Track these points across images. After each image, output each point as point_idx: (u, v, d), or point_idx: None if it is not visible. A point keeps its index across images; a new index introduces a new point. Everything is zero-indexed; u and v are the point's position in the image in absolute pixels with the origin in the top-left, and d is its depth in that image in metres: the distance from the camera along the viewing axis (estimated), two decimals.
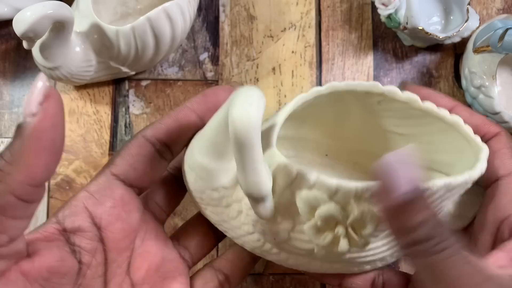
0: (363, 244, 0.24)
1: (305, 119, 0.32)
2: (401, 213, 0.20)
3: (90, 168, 0.41)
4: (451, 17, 0.43)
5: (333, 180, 0.23)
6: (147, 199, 0.30)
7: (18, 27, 0.29)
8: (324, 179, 0.23)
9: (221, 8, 0.44)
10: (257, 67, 0.43)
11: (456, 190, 0.25)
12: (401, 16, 0.40)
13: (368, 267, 0.28)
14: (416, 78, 0.44)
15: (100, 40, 0.36)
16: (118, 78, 0.42)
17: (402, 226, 0.20)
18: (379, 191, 0.20)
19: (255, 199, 0.23)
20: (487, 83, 0.39)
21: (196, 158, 0.26)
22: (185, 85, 0.43)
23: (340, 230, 0.23)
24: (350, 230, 0.23)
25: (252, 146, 0.21)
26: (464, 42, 0.42)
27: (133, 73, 0.41)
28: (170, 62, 0.43)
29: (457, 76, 0.44)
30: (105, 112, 0.42)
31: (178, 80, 0.43)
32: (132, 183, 0.27)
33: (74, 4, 0.38)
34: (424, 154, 0.23)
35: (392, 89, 0.28)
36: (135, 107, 0.42)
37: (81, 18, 0.36)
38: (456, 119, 0.27)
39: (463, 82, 0.41)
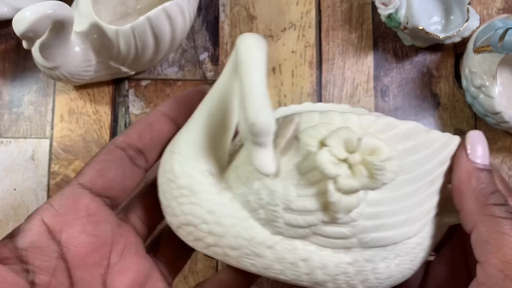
0: (379, 174, 0.22)
1: None
2: (484, 177, 0.24)
3: None
4: (451, 17, 0.43)
5: (336, 113, 0.23)
6: (128, 211, 0.27)
7: (18, 27, 0.29)
8: (329, 113, 0.23)
9: (221, 8, 0.44)
10: None
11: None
12: (401, 16, 0.40)
13: None
14: (416, 78, 0.44)
15: (100, 40, 0.36)
16: (118, 78, 0.42)
17: (484, 187, 0.24)
18: (468, 149, 0.25)
19: (259, 134, 0.21)
20: (487, 83, 0.39)
21: (175, 157, 0.25)
22: (185, 85, 0.43)
23: (356, 156, 0.21)
24: (366, 157, 0.21)
25: (259, 67, 0.22)
26: (464, 42, 0.42)
27: (133, 73, 0.41)
28: (170, 62, 0.43)
29: (457, 76, 0.44)
30: (105, 112, 0.42)
31: (178, 80, 0.43)
32: (100, 192, 0.24)
33: (74, 4, 0.38)
34: None
35: (359, 109, 0.30)
36: (135, 107, 0.42)
37: (81, 18, 0.36)
38: None
39: (464, 82, 0.41)
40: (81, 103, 0.42)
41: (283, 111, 0.29)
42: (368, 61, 0.44)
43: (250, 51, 0.22)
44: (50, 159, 0.41)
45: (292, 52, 0.43)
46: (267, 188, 0.23)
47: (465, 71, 0.41)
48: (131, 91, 0.42)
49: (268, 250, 0.24)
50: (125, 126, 0.42)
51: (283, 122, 0.24)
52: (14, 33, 0.30)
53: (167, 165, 0.25)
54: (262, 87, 0.22)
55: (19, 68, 0.42)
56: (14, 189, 0.40)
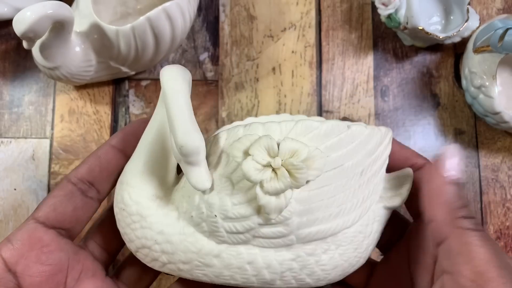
0: (299, 173, 0.24)
1: None
2: (457, 190, 0.24)
3: None
4: (451, 17, 0.43)
5: (258, 124, 0.25)
6: (87, 239, 0.30)
7: (18, 27, 0.29)
8: (252, 125, 0.25)
9: (221, 8, 0.44)
10: (257, 67, 0.43)
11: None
12: (401, 16, 0.40)
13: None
14: (416, 78, 0.44)
15: (100, 40, 0.36)
16: (118, 78, 0.42)
17: (457, 200, 0.24)
18: (443, 163, 0.25)
19: (189, 155, 0.23)
20: (487, 83, 0.39)
21: (126, 180, 0.27)
22: None
23: (277, 160, 0.23)
24: (286, 160, 0.23)
25: (181, 95, 0.24)
26: (464, 42, 0.42)
27: (133, 73, 0.41)
28: (170, 62, 0.43)
29: (457, 76, 0.44)
30: (105, 112, 0.42)
31: None
32: (54, 225, 0.27)
33: (74, 4, 0.38)
34: None
35: (300, 116, 0.31)
36: (135, 107, 0.42)
37: (81, 18, 0.36)
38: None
39: (463, 82, 0.41)
40: (81, 103, 0.42)
41: (226, 127, 0.31)
42: (368, 61, 0.44)
43: (171, 81, 0.24)
44: (50, 159, 0.41)
45: (292, 52, 0.43)
46: (205, 202, 0.25)
47: (465, 71, 0.41)
48: (131, 91, 0.42)
49: (216, 259, 0.26)
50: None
51: (213, 140, 0.26)
52: (14, 33, 0.30)
53: (118, 196, 0.27)
54: (186, 111, 0.24)
55: (19, 68, 0.42)
56: (15, 189, 0.40)
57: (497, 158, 0.43)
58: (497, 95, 0.39)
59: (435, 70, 0.44)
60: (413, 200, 0.28)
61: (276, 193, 0.24)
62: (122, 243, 0.29)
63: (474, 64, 0.40)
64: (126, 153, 0.29)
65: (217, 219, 0.25)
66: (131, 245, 0.27)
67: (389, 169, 0.29)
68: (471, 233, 0.23)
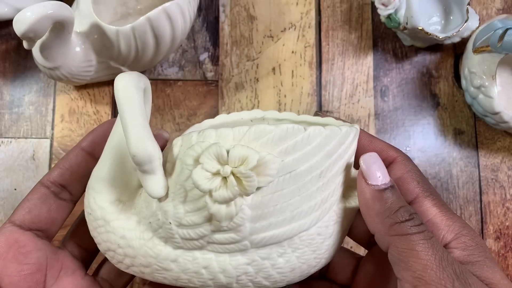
0: (248, 181, 0.23)
1: None
2: (385, 197, 0.25)
3: None
4: (451, 17, 0.43)
5: (212, 130, 0.24)
6: (65, 239, 0.31)
7: (18, 27, 0.29)
8: (205, 131, 0.24)
9: (221, 8, 0.44)
10: (257, 67, 0.43)
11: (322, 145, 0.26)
12: (401, 16, 0.40)
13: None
14: (416, 78, 0.44)
15: (100, 40, 0.36)
16: None
17: (387, 208, 0.24)
18: (364, 174, 0.25)
19: (142, 163, 0.24)
20: (487, 83, 0.39)
21: (92, 184, 0.28)
22: (185, 85, 0.43)
23: (226, 168, 0.23)
24: (234, 169, 0.23)
25: (134, 103, 0.24)
26: (464, 42, 0.42)
27: None
28: (170, 62, 0.43)
29: (457, 76, 0.44)
30: (105, 112, 0.42)
31: (178, 80, 0.43)
32: (30, 227, 0.28)
33: (74, 4, 0.38)
34: None
35: (271, 111, 0.31)
36: None
37: (81, 18, 0.36)
38: (328, 119, 0.30)
39: (463, 82, 0.42)
40: (81, 103, 0.42)
41: (197, 126, 0.31)
42: (368, 61, 0.44)
43: (123, 90, 0.24)
44: (50, 159, 0.41)
45: (292, 52, 0.44)
46: (161, 209, 0.26)
47: (465, 71, 0.41)
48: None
49: (173, 264, 0.26)
50: None
51: (170, 147, 0.26)
52: (14, 33, 0.30)
53: (85, 200, 0.28)
54: (138, 120, 0.24)
55: (19, 68, 0.42)
56: (15, 189, 0.41)
57: (497, 158, 0.43)
58: (497, 95, 0.39)
59: (434, 70, 0.44)
60: None
61: (225, 202, 0.24)
62: None
63: (474, 64, 0.40)
64: (95, 155, 0.29)
65: (172, 226, 0.25)
66: (100, 247, 0.28)
67: (358, 166, 0.29)
68: (409, 237, 0.23)
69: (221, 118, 0.31)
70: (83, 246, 0.31)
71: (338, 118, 0.30)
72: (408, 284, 0.23)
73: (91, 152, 0.30)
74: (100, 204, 0.27)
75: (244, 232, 0.25)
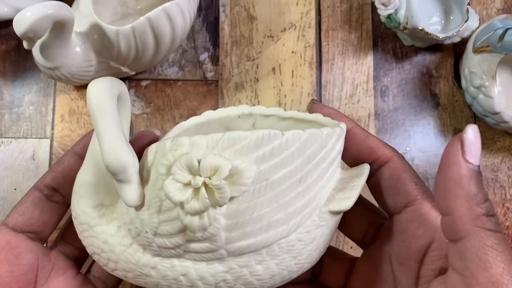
0: (220, 193, 0.23)
1: None
2: (480, 182, 0.22)
3: None
4: (451, 17, 0.43)
5: (185, 138, 0.24)
6: (57, 240, 0.31)
7: (18, 27, 0.29)
8: (179, 139, 0.24)
9: (221, 8, 0.44)
10: (257, 67, 0.43)
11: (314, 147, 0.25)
12: (401, 16, 0.40)
13: None
14: (416, 78, 0.44)
15: (100, 40, 0.36)
16: (119, 78, 0.42)
17: (480, 194, 0.22)
18: (467, 148, 0.22)
19: (115, 173, 0.23)
20: (487, 83, 0.39)
21: (76, 186, 0.28)
22: (185, 85, 0.43)
23: (197, 180, 0.23)
24: (206, 179, 0.23)
25: (106, 111, 0.23)
26: (464, 42, 0.42)
27: (133, 73, 0.41)
28: (170, 62, 0.43)
29: (457, 76, 0.44)
30: None
31: (178, 80, 0.43)
32: (23, 229, 0.29)
33: (74, 4, 0.38)
34: None
35: (258, 107, 0.30)
36: (135, 107, 0.42)
37: (81, 18, 0.36)
38: (315, 116, 0.29)
39: (463, 82, 0.42)
40: (81, 103, 0.42)
41: (181, 125, 0.30)
42: (368, 61, 0.44)
43: (95, 99, 0.24)
44: (50, 159, 0.41)
45: (292, 52, 0.44)
46: (138, 217, 0.25)
47: (465, 71, 0.41)
48: (131, 91, 0.42)
49: (153, 270, 0.26)
50: None
51: (146, 153, 0.26)
52: (14, 33, 0.30)
53: (72, 205, 0.28)
54: (110, 129, 0.23)
55: (19, 68, 0.42)
56: (15, 189, 0.41)
57: (497, 158, 0.43)
58: (497, 95, 0.39)
59: (434, 70, 0.44)
60: (388, 197, 0.27)
61: (197, 214, 0.23)
62: None
63: (474, 64, 0.40)
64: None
65: (149, 235, 0.25)
66: (87, 249, 0.28)
67: (352, 163, 0.28)
68: (491, 235, 0.21)
69: (207, 114, 0.30)
70: (75, 245, 0.31)
71: (334, 112, 0.29)
72: (479, 286, 0.21)
73: (84, 156, 0.30)
74: (83, 209, 0.27)
75: (219, 241, 0.24)
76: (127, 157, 0.24)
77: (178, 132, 0.30)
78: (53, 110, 0.42)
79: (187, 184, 0.23)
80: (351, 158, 0.28)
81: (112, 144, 0.23)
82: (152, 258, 0.26)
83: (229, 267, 0.25)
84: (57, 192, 0.30)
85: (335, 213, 0.27)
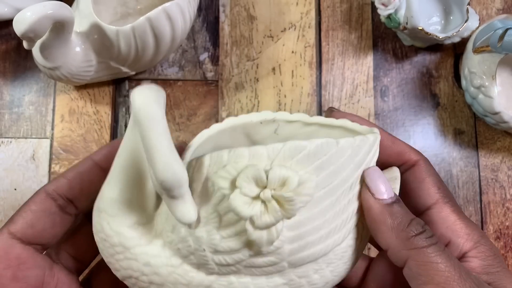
0: (290, 205, 0.23)
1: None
2: (395, 211, 0.24)
3: None
4: (451, 17, 0.43)
5: (244, 149, 0.23)
6: (58, 250, 0.29)
7: (18, 27, 0.29)
8: (236, 150, 0.23)
9: (221, 8, 0.44)
10: (257, 67, 0.43)
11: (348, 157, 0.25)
12: (401, 16, 0.40)
13: None
14: (416, 78, 0.44)
15: (100, 40, 0.36)
16: (118, 78, 0.42)
17: (399, 222, 0.24)
18: (371, 189, 0.25)
19: (171, 189, 0.22)
20: (487, 83, 0.39)
21: (105, 199, 0.26)
22: (185, 85, 0.43)
23: (266, 193, 0.22)
24: (274, 191, 0.22)
25: (158, 123, 0.21)
26: (464, 42, 0.42)
27: (133, 73, 0.41)
28: (170, 62, 0.43)
29: (457, 76, 0.44)
30: (105, 112, 0.42)
31: (178, 80, 0.43)
32: (30, 241, 0.26)
33: (74, 4, 0.38)
34: None
35: (281, 113, 0.30)
36: None
37: (81, 18, 0.36)
38: (343, 122, 0.29)
39: (463, 82, 0.42)
40: (81, 103, 0.42)
41: (205, 132, 0.29)
42: (368, 61, 0.44)
43: (144, 109, 0.22)
44: (50, 159, 0.41)
45: (292, 52, 0.44)
46: (192, 235, 0.24)
47: (465, 71, 0.41)
48: (131, 91, 0.42)
49: None
50: (125, 127, 0.42)
51: (196, 165, 0.24)
52: (14, 33, 0.30)
53: (98, 225, 0.26)
54: (164, 141, 0.22)
55: (19, 68, 0.42)
56: (15, 189, 0.41)
57: (497, 158, 0.43)
58: (497, 95, 0.39)
59: (434, 70, 0.44)
60: (410, 200, 0.28)
61: (267, 227, 0.23)
62: (95, 253, 0.29)
63: (474, 64, 0.40)
64: (107, 171, 0.27)
65: (206, 253, 0.24)
66: (117, 274, 0.26)
67: (380, 167, 0.28)
68: (426, 250, 0.23)
69: (229, 121, 0.30)
70: (77, 258, 0.30)
71: (354, 116, 0.29)
72: None
73: (106, 169, 0.27)
74: (116, 229, 0.25)
75: (283, 254, 0.24)
76: (182, 171, 0.22)
77: (201, 140, 0.28)
78: (53, 110, 0.42)
79: (255, 197, 0.22)
80: (379, 162, 0.29)
81: (167, 158, 0.21)
82: (207, 277, 0.25)
83: (289, 279, 0.25)
84: (71, 203, 0.28)
85: None
